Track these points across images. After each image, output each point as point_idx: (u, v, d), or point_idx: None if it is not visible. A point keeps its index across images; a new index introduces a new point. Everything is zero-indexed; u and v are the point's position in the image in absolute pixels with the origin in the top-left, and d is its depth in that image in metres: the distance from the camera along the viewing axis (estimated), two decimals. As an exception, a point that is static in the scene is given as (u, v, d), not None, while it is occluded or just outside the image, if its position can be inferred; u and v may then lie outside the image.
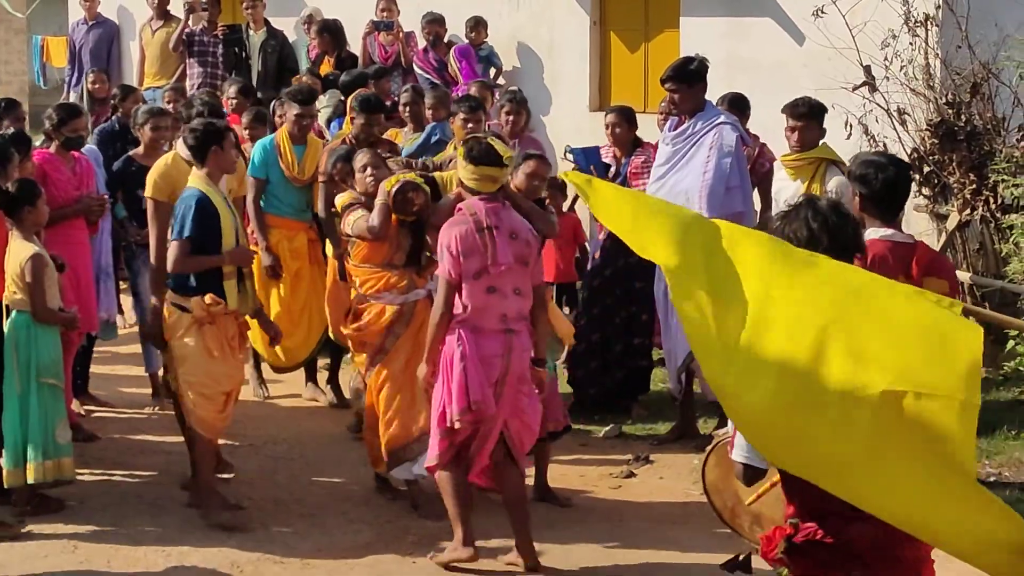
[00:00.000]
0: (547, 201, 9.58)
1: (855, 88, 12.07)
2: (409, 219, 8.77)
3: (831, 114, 12.20)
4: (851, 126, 11.91)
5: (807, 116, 9.86)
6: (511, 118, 11.37)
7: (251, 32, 16.24)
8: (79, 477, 9.34)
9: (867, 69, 12.02)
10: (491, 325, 7.95)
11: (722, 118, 9.94)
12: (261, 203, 11.09)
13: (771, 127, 11.87)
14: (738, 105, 11.06)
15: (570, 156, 11.01)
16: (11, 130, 10.07)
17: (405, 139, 11.61)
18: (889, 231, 6.96)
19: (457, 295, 7.95)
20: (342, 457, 10.08)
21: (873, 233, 6.85)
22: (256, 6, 16.34)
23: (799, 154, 9.88)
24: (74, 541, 8.58)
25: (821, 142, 9.97)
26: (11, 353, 8.76)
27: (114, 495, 9.37)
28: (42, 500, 8.98)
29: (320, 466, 9.93)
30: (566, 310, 12.32)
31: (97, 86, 15.20)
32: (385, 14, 15.28)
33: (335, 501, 9.24)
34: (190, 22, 16.55)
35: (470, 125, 10.47)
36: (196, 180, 8.77)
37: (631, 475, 9.75)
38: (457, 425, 7.92)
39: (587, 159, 10.81)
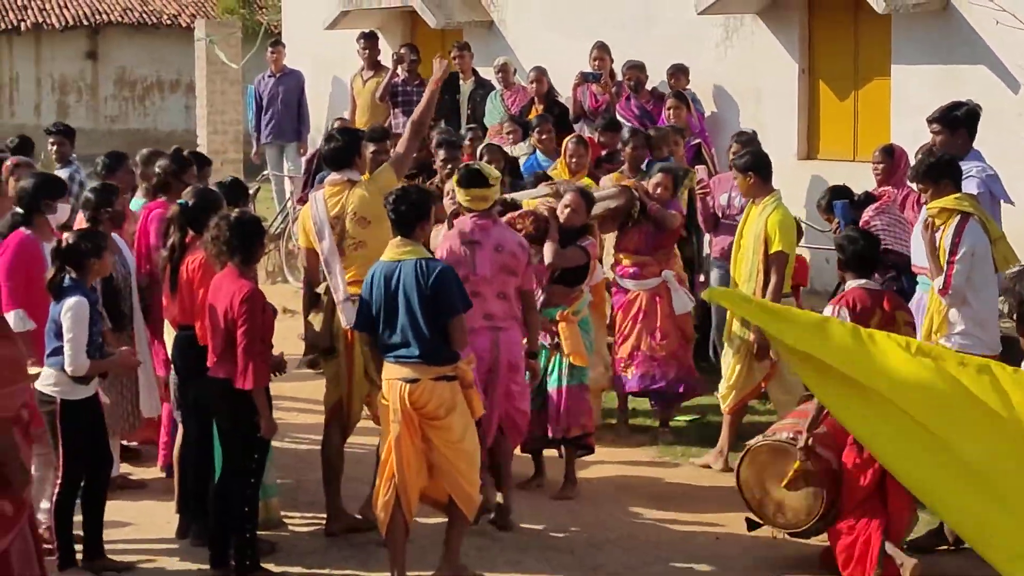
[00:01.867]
0: (590, 232, 10.69)
1: (1072, 136, 11.81)
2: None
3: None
4: (1068, 175, 11.64)
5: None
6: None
7: (460, 81, 16.46)
8: (289, 520, 9.50)
9: (1085, 117, 11.77)
10: (477, 323, 9.15)
11: (974, 171, 9.79)
12: None
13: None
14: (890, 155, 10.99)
15: (836, 210, 10.72)
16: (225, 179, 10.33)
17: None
18: (862, 281, 8.79)
19: None
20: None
21: (853, 282, 8.79)
22: (464, 56, 16.57)
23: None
24: (284, 584, 8.69)
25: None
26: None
27: (321, 539, 9.49)
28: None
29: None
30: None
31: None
32: (597, 63, 15.34)
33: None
34: (398, 72, 16.84)
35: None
36: None
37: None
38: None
39: (844, 215, 10.61)
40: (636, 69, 15.18)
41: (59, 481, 8.59)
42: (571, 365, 10.35)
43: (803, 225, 12.73)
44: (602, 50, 15.44)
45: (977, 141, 12.04)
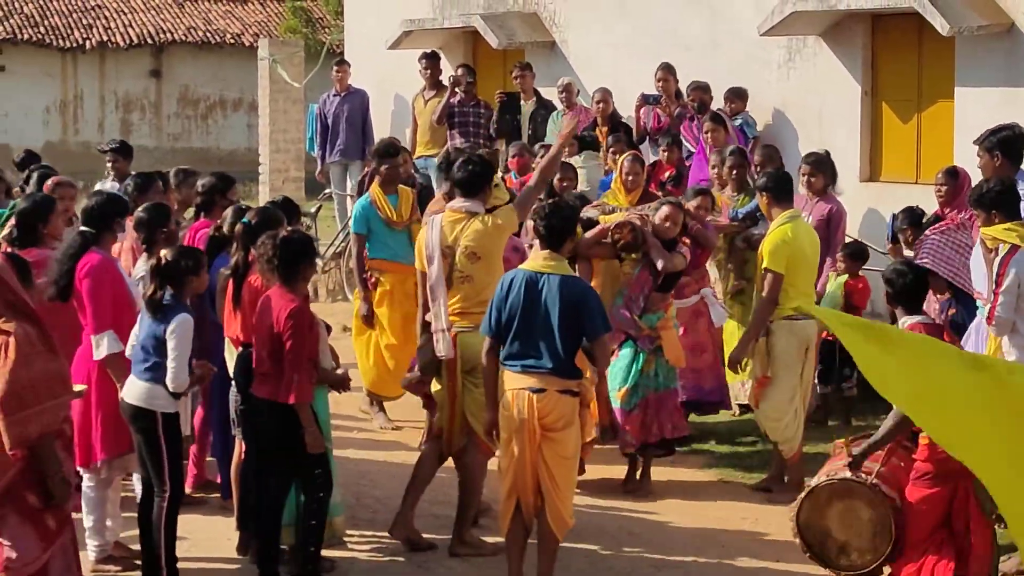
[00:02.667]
0: (679, 242, 11.04)
1: None
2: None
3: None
4: None
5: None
6: (812, 179, 12.25)
7: (522, 101, 16.50)
8: (347, 538, 9.54)
9: None
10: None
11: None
12: (371, 252, 12.28)
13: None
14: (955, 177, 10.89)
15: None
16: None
17: (733, 202, 12.75)
18: (919, 317, 8.41)
19: None
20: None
21: (907, 320, 8.34)
22: (525, 76, 16.61)
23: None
24: (344, 602, 8.74)
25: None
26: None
27: (383, 557, 9.52)
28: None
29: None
30: (847, 371, 12.39)
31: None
32: (661, 84, 15.34)
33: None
34: (456, 91, 16.92)
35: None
36: None
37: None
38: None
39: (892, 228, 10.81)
40: (700, 90, 15.19)
41: (167, 495, 8.63)
42: (667, 370, 10.84)
43: (866, 248, 12.69)
44: (667, 71, 15.44)
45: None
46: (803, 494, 8.65)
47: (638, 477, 11.02)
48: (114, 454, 9.17)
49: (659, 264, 10.71)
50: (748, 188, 12.72)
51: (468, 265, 9.36)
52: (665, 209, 10.91)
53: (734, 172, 12.88)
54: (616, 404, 10.78)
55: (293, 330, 8.49)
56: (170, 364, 8.53)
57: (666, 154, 14.22)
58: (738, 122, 15.03)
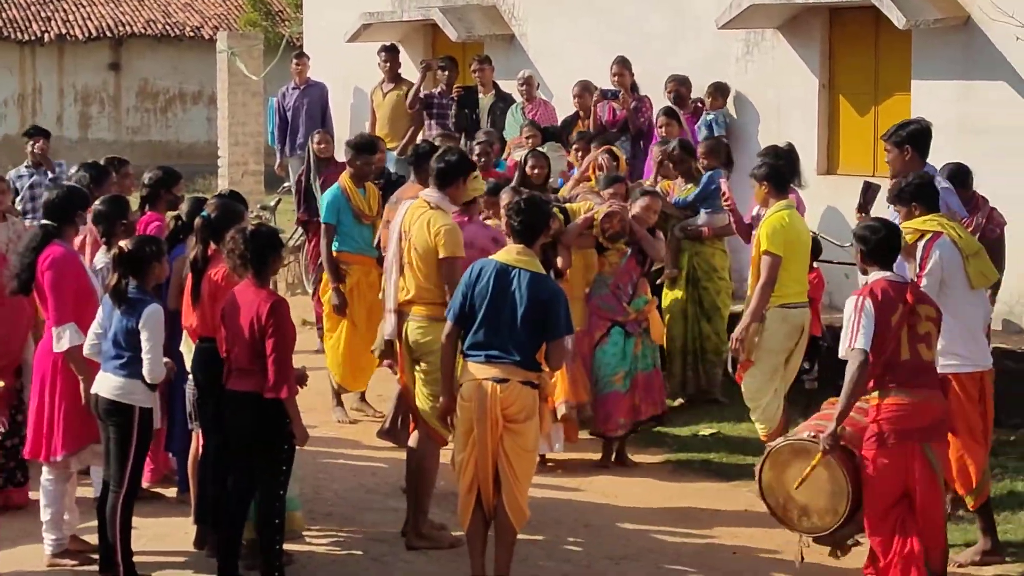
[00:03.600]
0: (656, 230, 11.50)
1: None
2: (546, 240, 9.58)
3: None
4: (1088, 192, 11.63)
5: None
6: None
7: (480, 95, 16.49)
8: (306, 533, 9.54)
9: (1106, 133, 11.76)
10: None
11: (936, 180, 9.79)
12: (336, 244, 12.33)
13: (1003, 194, 11.66)
14: (956, 177, 10.85)
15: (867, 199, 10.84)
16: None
17: (679, 190, 13.09)
18: (887, 273, 8.40)
19: None
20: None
21: (876, 275, 8.36)
22: (484, 69, 16.58)
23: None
24: (301, 595, 8.72)
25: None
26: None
27: (340, 550, 9.52)
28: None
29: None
30: (805, 364, 12.36)
31: (323, 146, 15.23)
32: (617, 79, 15.33)
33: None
34: (431, 85, 16.87)
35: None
36: None
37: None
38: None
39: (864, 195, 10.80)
40: (678, 83, 15.07)
41: (125, 491, 8.62)
42: (652, 349, 11.45)
43: (820, 240, 12.74)
44: (622, 65, 15.43)
45: (995, 158, 12.07)
46: (764, 455, 8.73)
47: (613, 458, 11.43)
48: (75, 448, 9.15)
49: (650, 252, 11.34)
50: (693, 178, 12.94)
51: (411, 254, 9.40)
52: (645, 199, 11.35)
53: (677, 163, 13.08)
54: (611, 388, 11.20)
55: (276, 326, 8.45)
56: (145, 356, 8.52)
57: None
58: (709, 117, 15.06)
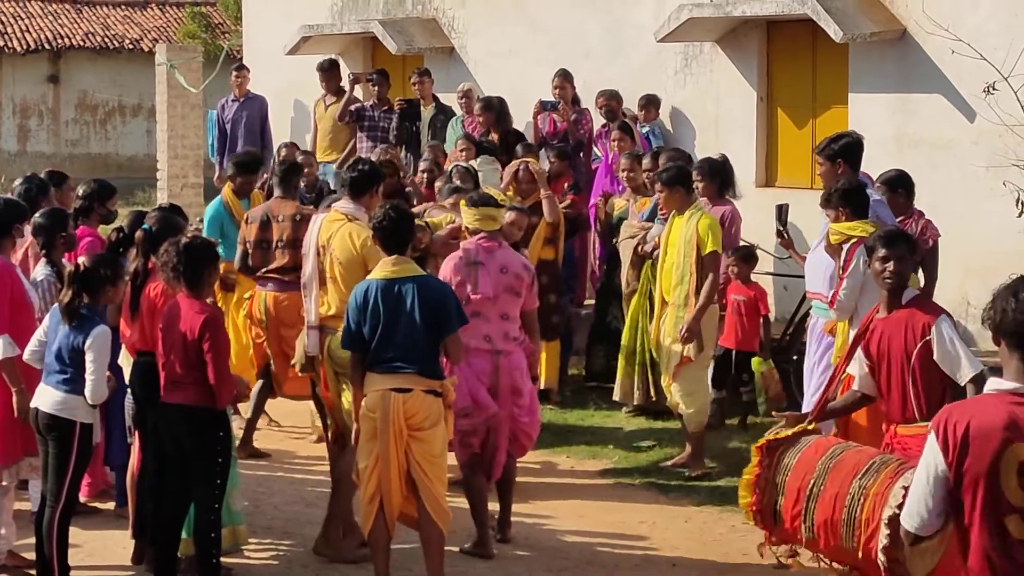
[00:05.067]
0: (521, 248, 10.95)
1: (1028, 165, 11.92)
2: (415, 254, 9.48)
3: (1001, 191, 12.09)
4: (1023, 203, 11.74)
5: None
6: (699, 185, 11.88)
7: (421, 107, 16.50)
8: (244, 546, 9.49)
9: (1039, 146, 11.88)
10: (477, 344, 9.39)
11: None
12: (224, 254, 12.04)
13: (939, 205, 11.77)
14: (894, 184, 10.94)
15: (780, 224, 11.07)
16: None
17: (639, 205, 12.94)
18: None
19: None
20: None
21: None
22: (424, 82, 16.61)
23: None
24: (240, 609, 8.70)
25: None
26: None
27: (280, 565, 9.49)
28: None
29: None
30: (745, 376, 12.49)
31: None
32: (558, 91, 15.39)
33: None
34: (359, 95, 16.86)
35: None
36: None
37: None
38: (465, 425, 9.40)
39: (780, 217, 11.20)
40: (608, 97, 15.21)
41: (61, 506, 8.55)
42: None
43: (757, 252, 12.83)
44: (563, 78, 15.52)
45: (932, 170, 12.17)
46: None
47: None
48: (11, 461, 9.09)
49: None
50: (644, 192, 12.90)
51: (333, 268, 9.38)
52: (511, 214, 10.67)
53: (634, 175, 13.08)
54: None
55: (212, 339, 8.39)
56: (89, 377, 8.48)
57: (553, 162, 14.29)
58: (644, 130, 15.13)
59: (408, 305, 8.41)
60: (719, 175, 12.22)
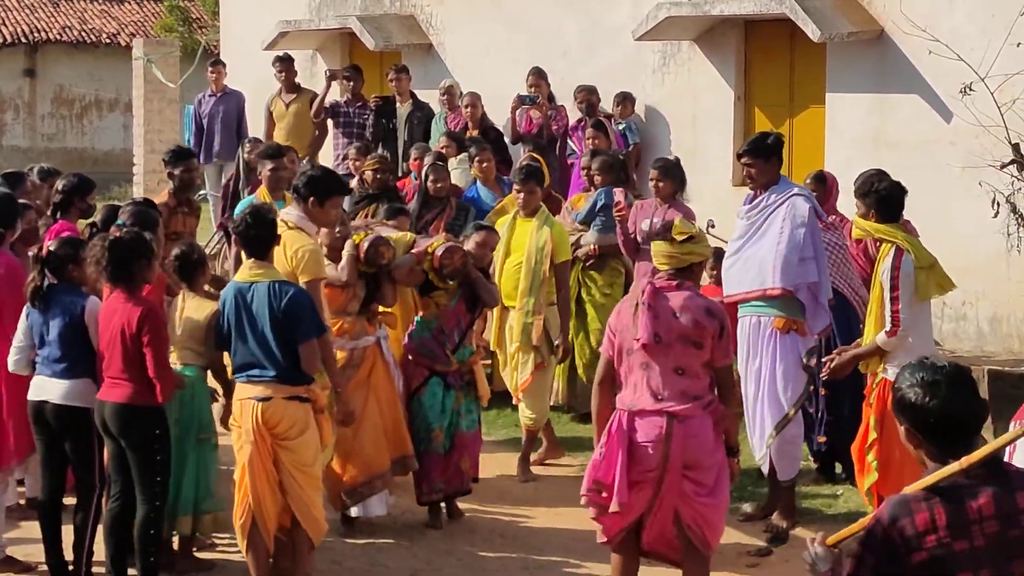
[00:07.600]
0: (489, 272, 10.59)
1: (1003, 166, 11.94)
2: (371, 271, 9.52)
3: (977, 192, 12.12)
4: (998, 204, 11.77)
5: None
6: (659, 184, 11.58)
7: (397, 104, 16.46)
8: (219, 541, 9.48)
9: (1015, 147, 11.90)
10: (645, 404, 7.53)
11: (795, 190, 9.83)
12: None
13: (915, 205, 11.77)
14: (822, 182, 10.98)
15: (712, 229, 11.04)
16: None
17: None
18: None
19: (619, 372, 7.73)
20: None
21: None
22: (401, 79, 16.56)
23: None
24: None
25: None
26: (174, 409, 8.69)
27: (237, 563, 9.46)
28: (195, 561, 9.15)
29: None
30: None
31: (255, 155, 15.12)
32: (533, 89, 15.39)
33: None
34: (336, 93, 16.81)
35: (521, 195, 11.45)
36: None
37: (768, 553, 9.64)
38: (610, 508, 7.56)
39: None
40: (587, 92, 15.17)
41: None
42: (475, 406, 10.25)
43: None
44: (538, 76, 15.51)
45: (908, 170, 12.19)
46: None
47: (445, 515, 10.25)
48: (23, 457, 9.22)
49: (484, 296, 10.16)
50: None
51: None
52: (480, 234, 10.27)
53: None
54: (430, 448, 9.94)
55: (151, 331, 8.24)
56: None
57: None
58: (621, 127, 15.11)
59: (258, 309, 8.25)
60: (678, 175, 11.97)
